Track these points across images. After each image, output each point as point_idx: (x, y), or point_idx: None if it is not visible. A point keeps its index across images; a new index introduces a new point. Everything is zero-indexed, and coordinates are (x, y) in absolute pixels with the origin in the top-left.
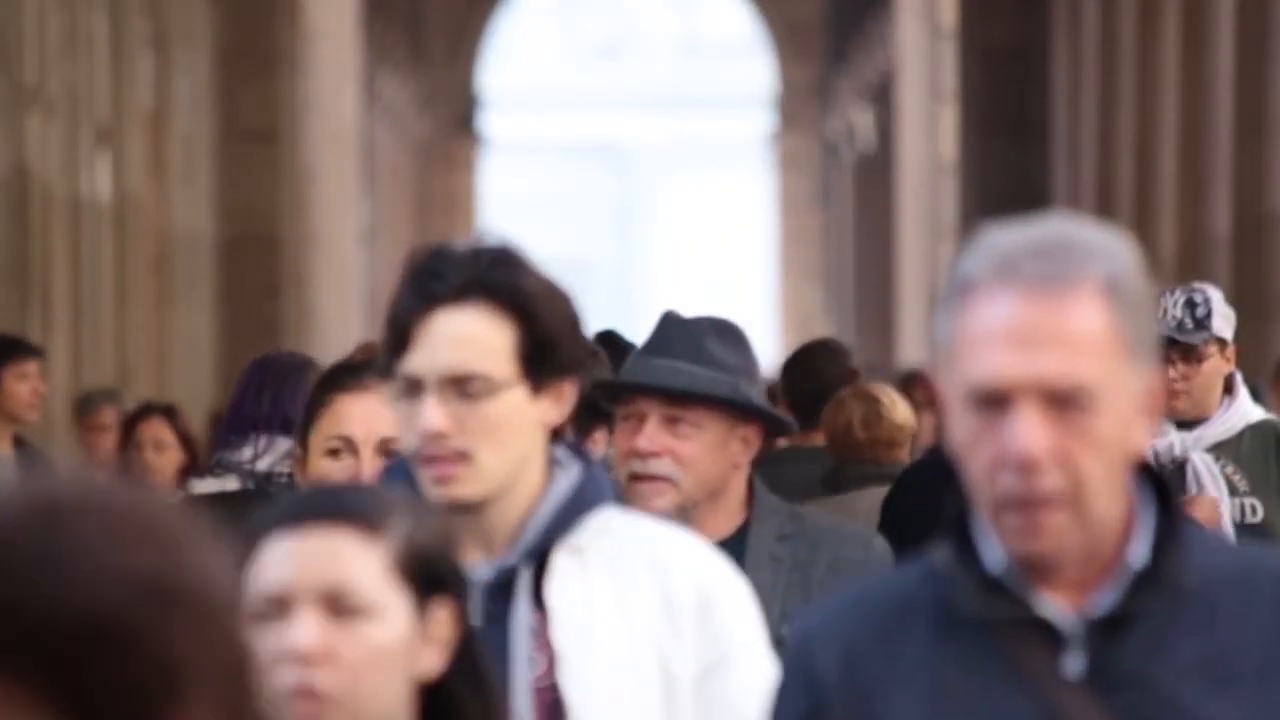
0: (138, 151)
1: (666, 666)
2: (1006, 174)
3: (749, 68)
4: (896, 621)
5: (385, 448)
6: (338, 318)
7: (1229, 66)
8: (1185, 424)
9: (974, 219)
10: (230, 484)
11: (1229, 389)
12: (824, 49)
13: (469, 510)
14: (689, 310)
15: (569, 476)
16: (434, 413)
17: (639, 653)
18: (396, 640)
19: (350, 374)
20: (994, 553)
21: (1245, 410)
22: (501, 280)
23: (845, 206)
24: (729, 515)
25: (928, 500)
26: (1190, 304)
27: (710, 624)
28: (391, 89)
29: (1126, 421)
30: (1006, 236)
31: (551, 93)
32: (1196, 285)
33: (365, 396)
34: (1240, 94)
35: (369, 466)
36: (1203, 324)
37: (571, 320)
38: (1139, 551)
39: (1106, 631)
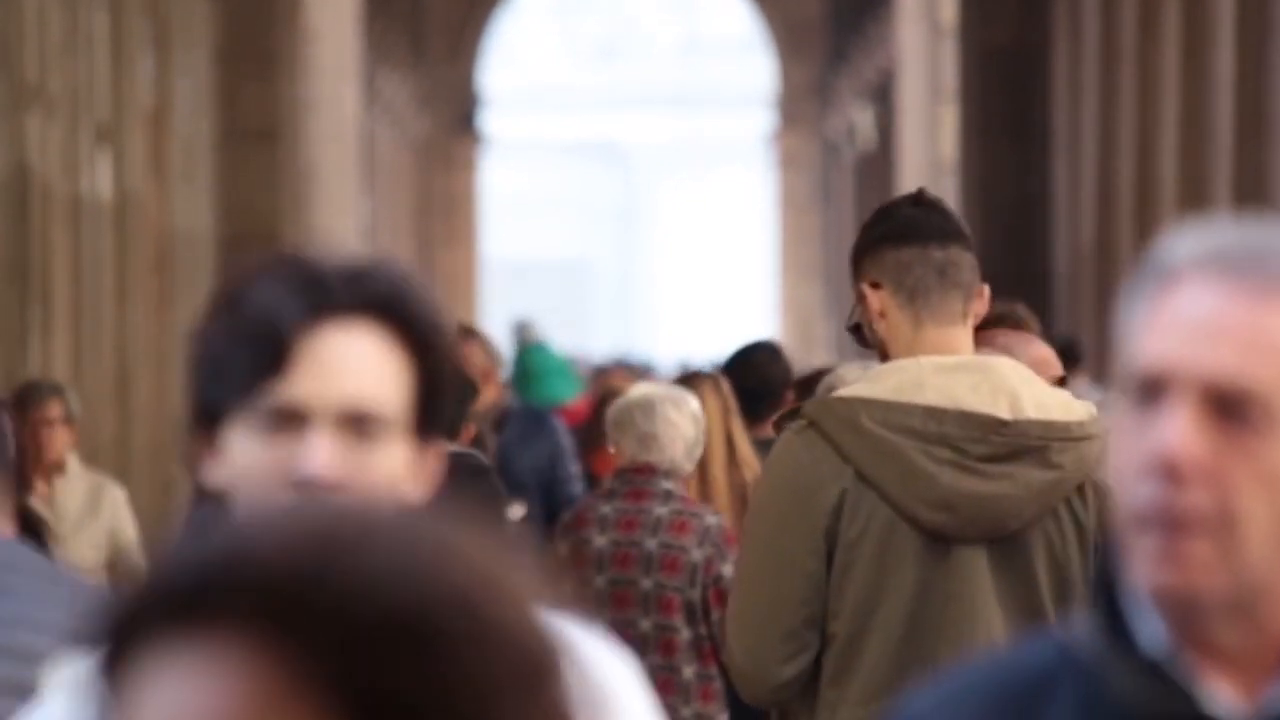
0: (138, 151)
1: None
2: (1007, 174)
3: (749, 67)
4: (1026, 708)
5: None
6: None
7: (1229, 67)
8: None
9: (974, 219)
10: None
11: None
12: (824, 48)
13: None
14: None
15: None
16: (325, 455)
17: None
18: None
19: None
20: (1152, 633)
21: None
22: (407, 300)
23: (845, 206)
24: None
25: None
26: None
27: None
28: (391, 88)
29: None
30: (1223, 229)
31: (552, 92)
32: None
33: None
34: (1240, 95)
35: None
36: None
37: (459, 373)
38: None
39: None
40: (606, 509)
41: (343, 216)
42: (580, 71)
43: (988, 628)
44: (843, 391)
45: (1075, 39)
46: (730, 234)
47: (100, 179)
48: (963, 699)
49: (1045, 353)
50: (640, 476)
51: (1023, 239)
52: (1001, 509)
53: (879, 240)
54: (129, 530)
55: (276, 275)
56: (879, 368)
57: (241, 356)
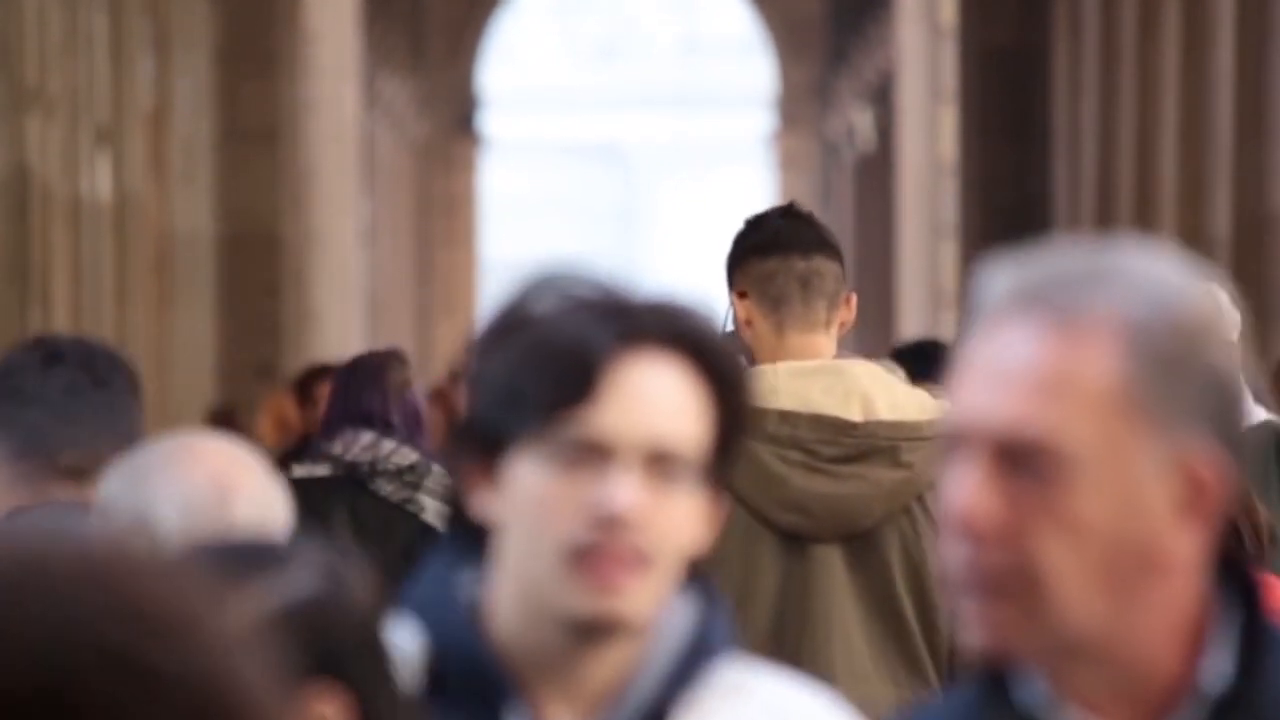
0: (138, 152)
1: None
2: (1006, 174)
3: (749, 67)
4: None
5: None
6: (338, 318)
7: (1229, 67)
8: None
9: (974, 219)
10: (320, 470)
11: None
12: (824, 49)
13: (601, 637)
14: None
15: (683, 612)
16: (631, 494)
17: None
18: None
19: None
20: (1031, 688)
21: (1246, 412)
22: (714, 337)
23: (845, 206)
24: None
25: None
26: None
27: None
28: (391, 89)
29: (1133, 508)
30: (1033, 259)
31: (551, 93)
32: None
33: None
34: (1240, 94)
35: None
36: None
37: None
38: (1218, 670)
39: None
40: None
41: (342, 217)
42: (579, 72)
43: (845, 623)
44: None
45: (1075, 39)
46: (731, 235)
47: (100, 180)
48: None
49: None
50: None
51: (1023, 239)
52: (853, 508)
53: (747, 251)
54: None
55: (578, 300)
56: None
57: (542, 382)
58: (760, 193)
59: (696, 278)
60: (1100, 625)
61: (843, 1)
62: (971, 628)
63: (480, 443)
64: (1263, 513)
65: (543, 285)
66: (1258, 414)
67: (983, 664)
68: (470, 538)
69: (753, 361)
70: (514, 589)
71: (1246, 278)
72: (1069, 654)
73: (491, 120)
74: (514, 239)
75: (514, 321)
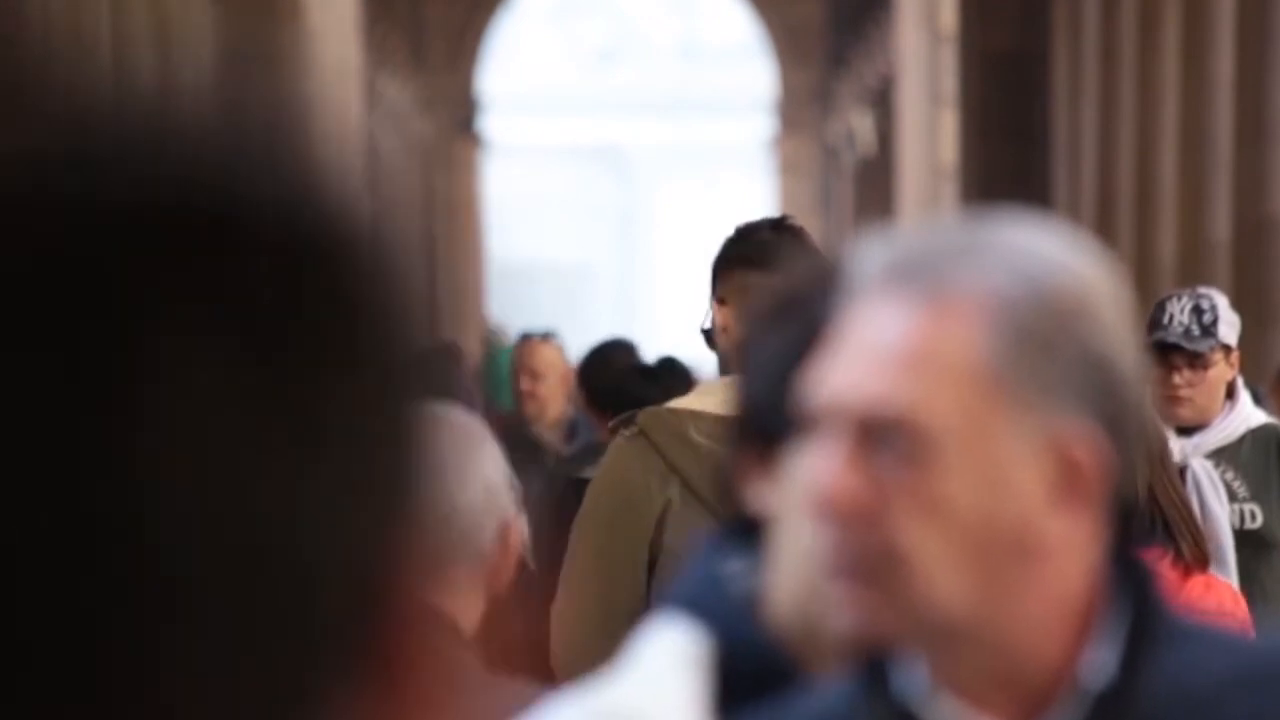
0: None
1: None
2: (1006, 179)
3: (749, 72)
4: None
5: None
6: None
7: (1229, 72)
8: (1185, 430)
9: None
10: None
11: (1230, 394)
12: (824, 53)
13: None
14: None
15: None
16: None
17: None
18: None
19: None
20: (909, 676)
21: (1246, 415)
22: None
23: (845, 211)
24: None
25: None
26: (1197, 310)
27: None
28: (392, 92)
29: (1001, 488)
30: (907, 234)
31: (552, 96)
32: (1202, 291)
33: None
34: (1240, 100)
35: None
36: (1209, 331)
37: None
38: (1100, 663)
39: None
40: None
41: None
42: (580, 76)
43: None
44: (674, 404)
45: (1075, 43)
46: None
47: None
48: None
49: None
50: None
51: None
52: None
53: (731, 261)
54: None
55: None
56: (709, 381)
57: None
58: (760, 197)
59: (695, 283)
60: (969, 609)
61: (843, 6)
62: (839, 612)
63: (756, 433)
64: (1201, 519)
65: (812, 269)
66: (1257, 417)
67: (862, 652)
68: (735, 526)
69: (726, 368)
70: (795, 585)
71: (1247, 282)
72: (940, 639)
73: (492, 123)
74: (515, 242)
75: (786, 307)
